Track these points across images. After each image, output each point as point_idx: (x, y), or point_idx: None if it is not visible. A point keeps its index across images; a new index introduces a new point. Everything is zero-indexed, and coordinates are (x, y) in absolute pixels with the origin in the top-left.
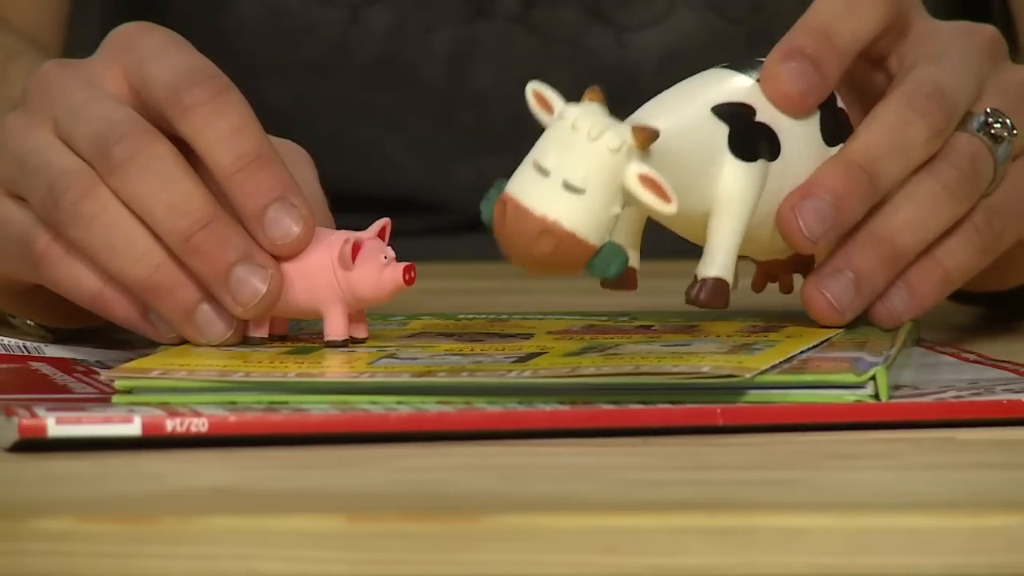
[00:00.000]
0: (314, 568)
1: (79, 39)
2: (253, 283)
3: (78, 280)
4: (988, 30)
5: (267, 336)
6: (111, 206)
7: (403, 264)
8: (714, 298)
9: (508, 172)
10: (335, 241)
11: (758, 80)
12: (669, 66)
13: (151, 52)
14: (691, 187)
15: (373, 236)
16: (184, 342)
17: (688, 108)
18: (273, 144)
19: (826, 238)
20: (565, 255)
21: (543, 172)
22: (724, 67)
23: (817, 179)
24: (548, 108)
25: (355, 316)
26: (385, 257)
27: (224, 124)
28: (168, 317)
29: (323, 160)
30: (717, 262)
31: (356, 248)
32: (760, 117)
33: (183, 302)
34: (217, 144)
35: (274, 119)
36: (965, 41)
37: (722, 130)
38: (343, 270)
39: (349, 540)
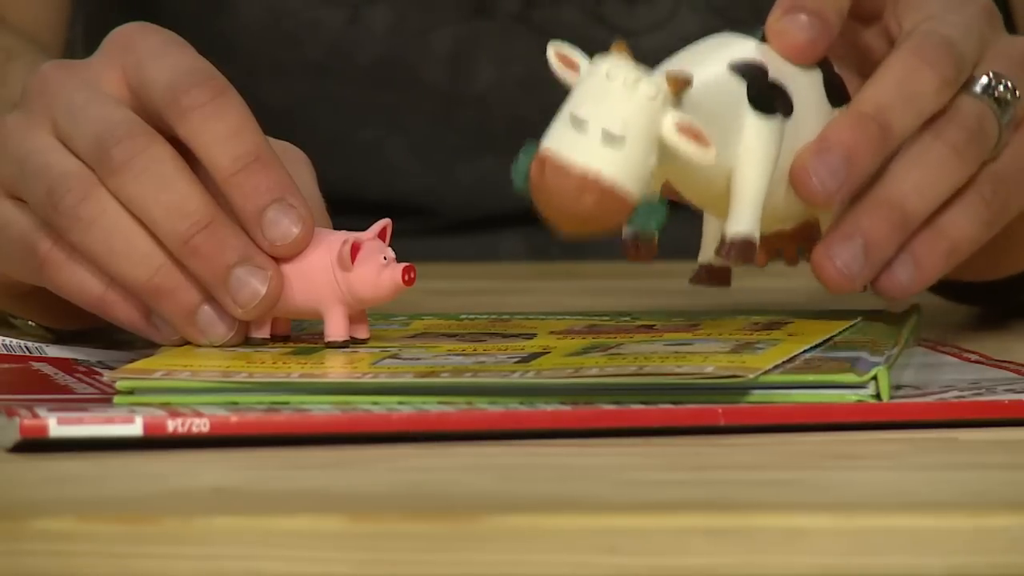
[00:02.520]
0: (315, 568)
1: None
2: (252, 284)
3: (81, 284)
4: (982, 0)
5: (269, 337)
6: (110, 209)
7: (402, 265)
8: (744, 255)
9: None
10: (334, 242)
11: (761, 39)
12: None
13: (149, 53)
14: (715, 142)
15: (373, 237)
16: (187, 343)
17: (705, 66)
18: (271, 146)
19: (840, 192)
20: (608, 209)
21: (579, 123)
22: (726, 34)
23: (829, 133)
24: (573, 67)
25: (356, 317)
26: (384, 258)
27: (222, 126)
28: (170, 319)
29: (324, 162)
30: (745, 218)
31: (355, 249)
32: (772, 76)
33: (184, 304)
34: (215, 146)
35: (274, 120)
36: (964, 6)
37: (741, 85)
38: (342, 271)
39: (350, 540)
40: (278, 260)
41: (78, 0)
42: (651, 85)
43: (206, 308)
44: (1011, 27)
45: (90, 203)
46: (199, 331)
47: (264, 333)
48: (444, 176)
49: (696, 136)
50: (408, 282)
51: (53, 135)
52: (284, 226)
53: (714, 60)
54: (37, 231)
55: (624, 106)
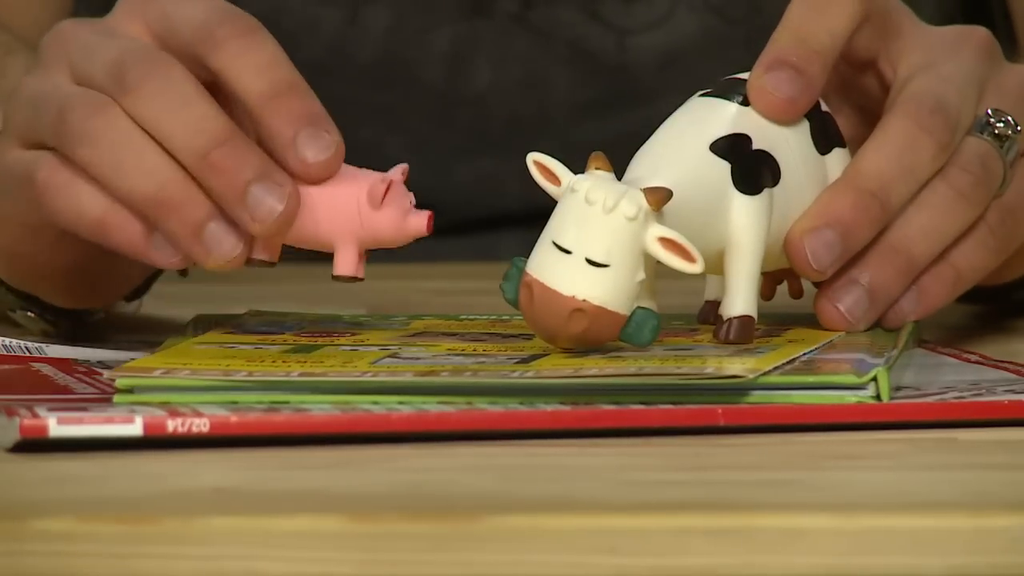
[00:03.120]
0: (315, 568)
1: None
2: (270, 201)
3: (80, 205)
4: (980, 32)
5: (273, 262)
6: (121, 124)
7: (427, 212)
8: (743, 335)
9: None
10: (365, 179)
11: (741, 103)
12: (669, 67)
13: (174, 1)
14: (704, 229)
15: (400, 180)
16: (186, 270)
17: (686, 152)
18: None
19: (835, 266)
20: (600, 328)
21: (564, 251)
22: (704, 95)
23: (829, 208)
24: (553, 179)
25: (359, 256)
26: (409, 203)
27: (256, 56)
28: (175, 235)
29: None
30: (740, 301)
31: (386, 190)
32: (757, 144)
33: (192, 218)
34: (249, 73)
35: None
36: (959, 48)
37: (724, 168)
38: (370, 208)
39: (350, 540)
40: (308, 182)
41: (81, 3)
42: (631, 205)
43: (213, 224)
44: (1014, 37)
45: (100, 118)
46: (204, 248)
47: (268, 255)
48: (443, 175)
49: (681, 250)
50: (430, 230)
51: (70, 78)
52: (316, 147)
53: (694, 143)
54: (37, 160)
55: (606, 232)
